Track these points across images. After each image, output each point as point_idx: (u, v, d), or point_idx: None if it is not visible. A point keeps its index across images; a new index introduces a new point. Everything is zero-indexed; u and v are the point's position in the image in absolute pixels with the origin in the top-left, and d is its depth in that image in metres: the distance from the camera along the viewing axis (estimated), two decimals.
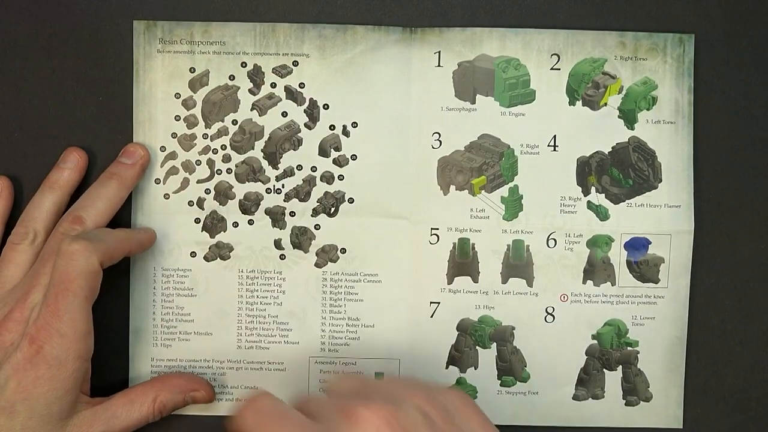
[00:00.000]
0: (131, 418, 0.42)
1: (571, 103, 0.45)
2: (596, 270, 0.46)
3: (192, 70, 0.45)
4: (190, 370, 0.46)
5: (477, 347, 0.46)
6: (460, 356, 0.46)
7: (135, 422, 0.42)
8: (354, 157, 0.46)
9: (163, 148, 0.45)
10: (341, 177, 0.46)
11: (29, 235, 0.42)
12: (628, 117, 0.46)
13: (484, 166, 0.46)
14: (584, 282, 0.46)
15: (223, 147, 0.46)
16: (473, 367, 0.46)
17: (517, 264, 0.46)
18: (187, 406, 0.44)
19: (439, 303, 0.46)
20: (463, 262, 0.46)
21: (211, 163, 0.46)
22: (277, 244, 0.46)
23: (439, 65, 0.45)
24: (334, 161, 0.46)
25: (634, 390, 0.46)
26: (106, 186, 0.43)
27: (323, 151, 0.46)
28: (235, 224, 0.46)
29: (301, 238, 0.46)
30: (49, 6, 0.45)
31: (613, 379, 0.46)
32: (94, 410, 0.41)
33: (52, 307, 0.38)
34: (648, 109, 0.45)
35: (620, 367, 0.46)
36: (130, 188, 0.44)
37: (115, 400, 0.42)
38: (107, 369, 0.45)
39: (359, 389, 0.35)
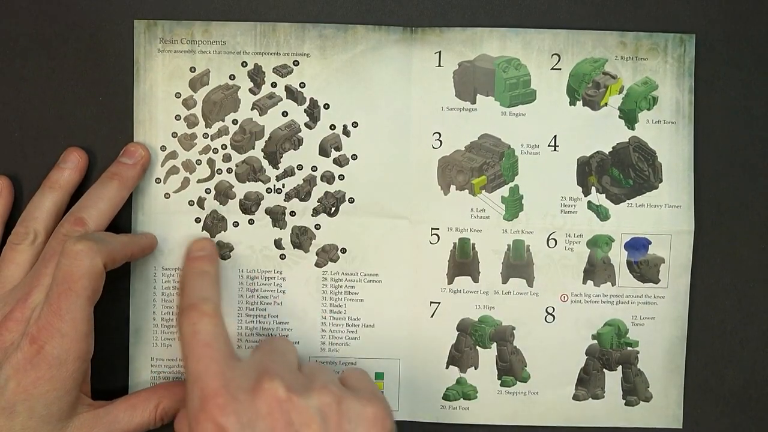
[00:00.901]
0: (133, 424, 0.42)
1: (572, 103, 0.45)
2: (596, 270, 0.46)
3: (192, 69, 0.45)
4: None
5: (477, 347, 0.46)
6: (460, 356, 0.46)
7: (136, 428, 0.42)
8: (354, 156, 0.46)
9: (163, 148, 0.45)
10: (342, 177, 0.46)
11: (29, 236, 0.42)
12: (629, 117, 0.46)
13: (485, 166, 0.46)
14: (584, 282, 0.46)
15: (224, 146, 0.45)
16: (473, 367, 0.46)
17: (518, 264, 0.46)
18: None
19: (439, 303, 0.46)
20: (463, 262, 0.46)
21: (211, 162, 0.46)
22: (278, 244, 0.46)
23: (439, 65, 0.45)
24: (335, 161, 0.46)
25: (634, 390, 0.46)
26: (107, 186, 0.43)
27: (324, 151, 0.46)
28: (236, 224, 0.46)
29: (301, 238, 0.46)
30: (49, 6, 0.45)
31: (613, 379, 0.46)
32: (96, 413, 0.41)
33: (54, 307, 0.38)
34: (648, 109, 0.45)
35: (620, 367, 0.46)
36: (131, 188, 0.44)
37: (117, 405, 0.42)
38: (107, 369, 0.45)
39: (284, 360, 0.38)
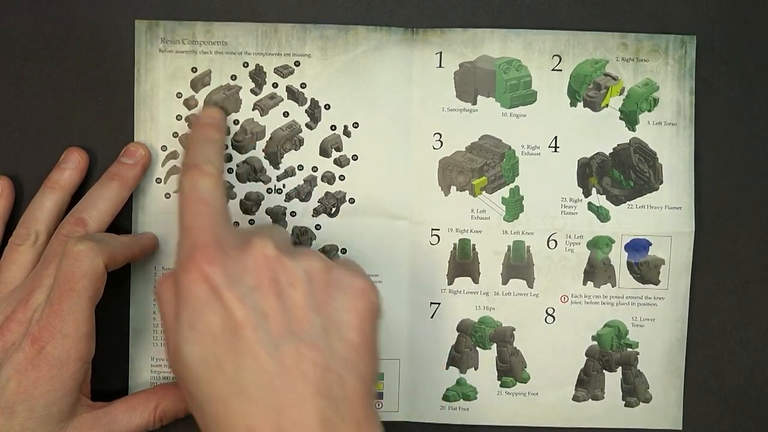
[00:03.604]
0: (132, 425, 0.41)
1: (573, 104, 0.46)
2: (597, 271, 0.46)
3: (194, 69, 0.45)
4: None
5: (477, 348, 0.46)
6: (460, 357, 0.46)
7: (135, 429, 0.42)
8: (355, 157, 0.46)
9: (164, 148, 0.45)
10: (342, 177, 0.46)
11: (31, 236, 0.42)
12: (630, 118, 0.46)
13: (485, 167, 0.46)
14: (584, 283, 0.46)
15: (225, 147, 0.45)
16: (473, 368, 0.46)
17: (518, 265, 0.46)
18: (187, 414, 0.43)
19: (439, 304, 0.46)
20: (463, 262, 0.46)
21: None
22: None
23: (440, 66, 0.45)
24: (335, 161, 0.46)
25: (634, 391, 0.46)
26: (108, 187, 0.43)
27: (324, 152, 0.46)
28: (236, 224, 0.46)
29: (301, 239, 0.46)
30: (50, 6, 0.45)
31: (612, 380, 0.46)
32: (95, 414, 0.41)
33: (55, 308, 0.38)
34: (649, 111, 0.46)
35: (620, 368, 0.46)
36: (132, 188, 0.44)
37: (117, 406, 0.42)
38: (107, 369, 0.45)
39: (278, 232, 0.38)
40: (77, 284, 0.38)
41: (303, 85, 0.45)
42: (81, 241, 0.39)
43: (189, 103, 0.45)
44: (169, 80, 0.45)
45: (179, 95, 0.45)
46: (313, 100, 0.45)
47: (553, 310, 0.46)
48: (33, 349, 0.38)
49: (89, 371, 0.42)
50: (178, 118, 0.45)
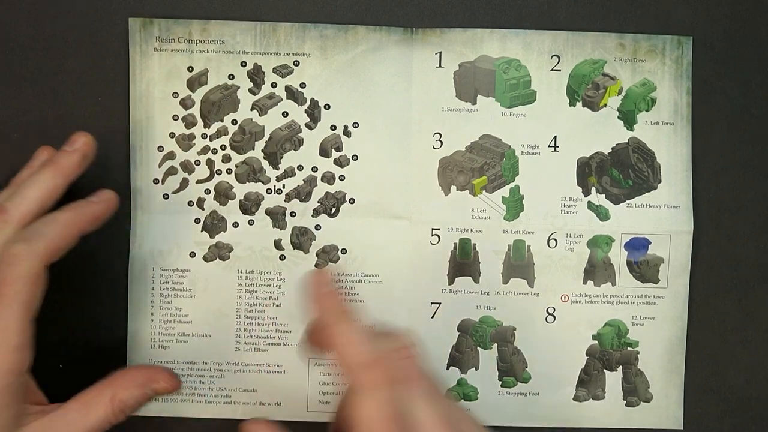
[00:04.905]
0: (89, 423, 0.37)
1: (572, 104, 0.46)
2: (597, 270, 0.46)
3: (190, 69, 0.45)
4: (188, 373, 0.45)
5: (478, 348, 0.46)
6: (460, 357, 0.46)
7: (94, 426, 0.37)
8: (355, 157, 0.45)
9: (160, 148, 0.45)
10: (342, 177, 0.45)
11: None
12: (628, 118, 0.46)
13: (485, 167, 0.46)
14: (585, 282, 0.46)
15: (223, 147, 0.45)
16: (474, 368, 0.46)
17: (518, 264, 0.46)
18: (151, 400, 0.39)
19: (440, 303, 0.46)
20: (464, 262, 0.46)
21: (210, 163, 0.45)
22: (278, 245, 0.45)
23: (440, 66, 0.45)
24: (335, 161, 0.45)
25: (635, 390, 0.46)
26: (40, 173, 0.39)
27: (324, 152, 0.45)
28: (236, 224, 0.45)
29: (301, 239, 0.45)
30: (48, 5, 0.45)
31: (613, 379, 0.46)
32: (49, 419, 0.36)
33: None
34: (647, 111, 0.46)
35: (620, 367, 0.46)
36: (68, 177, 0.39)
37: (70, 405, 0.37)
38: (104, 372, 0.44)
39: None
40: (8, 289, 0.34)
41: (302, 85, 0.45)
42: (16, 243, 0.35)
43: (186, 103, 0.45)
44: (164, 80, 0.45)
45: (175, 95, 0.45)
46: (312, 100, 0.45)
47: (554, 309, 0.46)
48: None
49: (30, 381, 0.38)
50: (175, 118, 0.45)
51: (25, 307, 0.35)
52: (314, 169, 0.45)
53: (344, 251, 0.46)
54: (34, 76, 0.45)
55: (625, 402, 0.46)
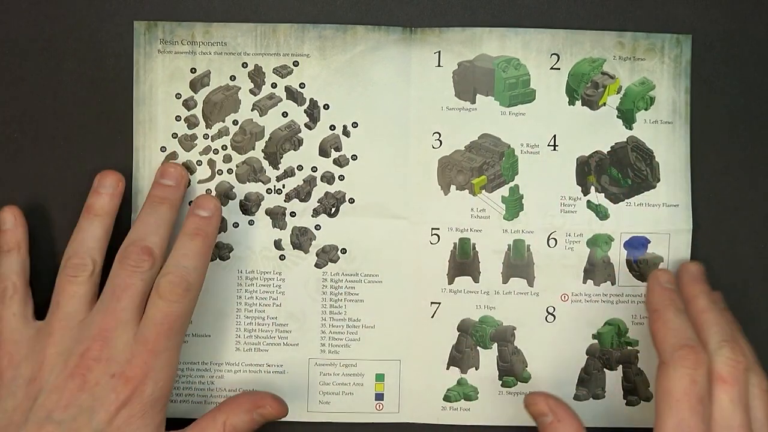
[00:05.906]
0: None
1: (571, 102, 0.46)
2: (596, 269, 0.46)
3: (193, 70, 0.45)
4: (187, 373, 0.46)
5: (478, 348, 0.46)
6: (460, 357, 0.46)
7: None
8: (354, 157, 0.46)
9: (163, 149, 0.45)
10: (342, 177, 0.46)
11: (88, 267, 0.41)
12: (627, 117, 0.46)
13: (485, 166, 0.46)
14: (584, 281, 0.46)
15: (224, 147, 0.45)
16: (474, 368, 0.46)
17: (518, 264, 0.46)
18: (260, 425, 0.42)
19: (439, 303, 0.46)
20: (463, 262, 0.46)
21: (211, 163, 0.45)
22: (277, 245, 0.46)
23: (439, 65, 0.45)
24: (335, 161, 0.46)
25: (635, 389, 0.46)
26: (159, 211, 0.42)
27: (324, 152, 0.46)
28: (236, 225, 0.46)
29: (301, 239, 0.46)
30: (49, 6, 0.45)
31: (613, 378, 0.46)
32: None
33: (150, 346, 0.39)
34: (646, 109, 0.46)
35: (621, 366, 0.46)
36: (178, 209, 0.44)
37: (188, 430, 0.41)
38: None
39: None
40: (175, 323, 0.39)
41: (302, 85, 0.45)
42: (180, 282, 0.40)
43: (188, 104, 0.45)
44: (168, 81, 0.45)
45: (178, 96, 0.45)
46: (312, 100, 0.45)
47: (554, 308, 0.46)
48: (126, 389, 0.38)
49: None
50: (178, 118, 0.45)
51: (181, 341, 0.41)
52: (314, 169, 0.46)
53: (344, 251, 0.46)
54: (36, 78, 0.45)
55: (625, 401, 0.46)
